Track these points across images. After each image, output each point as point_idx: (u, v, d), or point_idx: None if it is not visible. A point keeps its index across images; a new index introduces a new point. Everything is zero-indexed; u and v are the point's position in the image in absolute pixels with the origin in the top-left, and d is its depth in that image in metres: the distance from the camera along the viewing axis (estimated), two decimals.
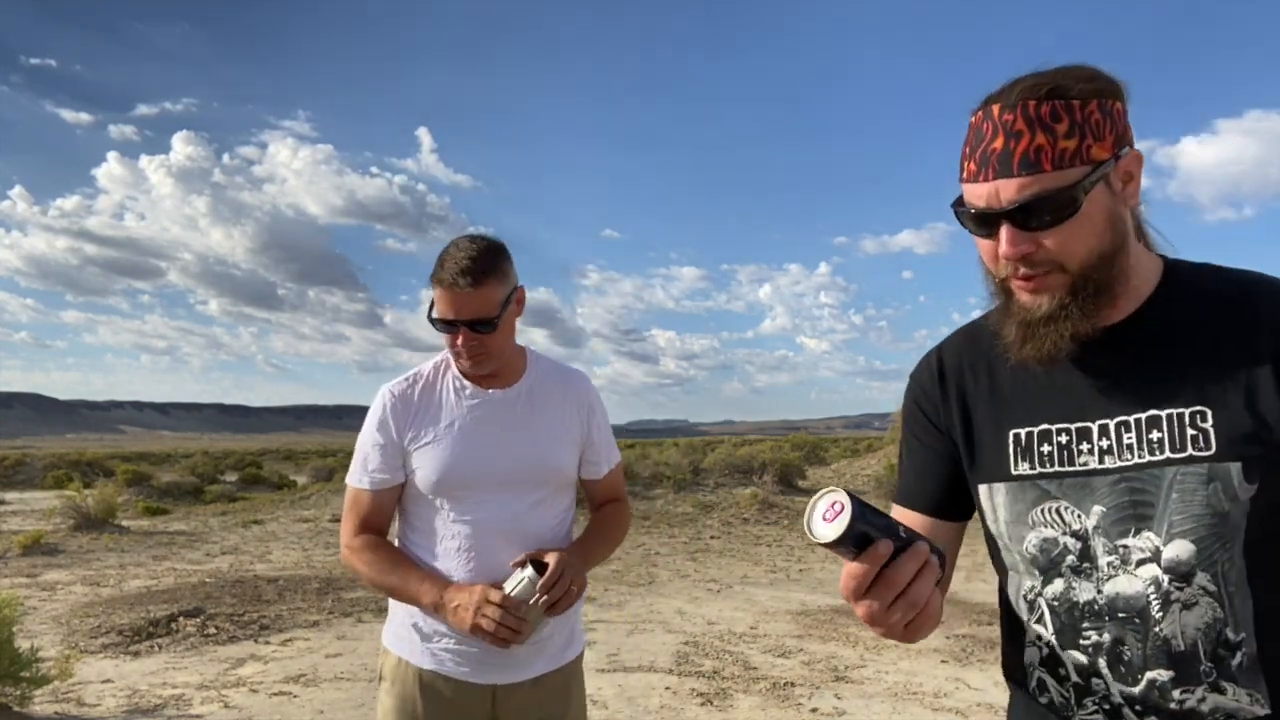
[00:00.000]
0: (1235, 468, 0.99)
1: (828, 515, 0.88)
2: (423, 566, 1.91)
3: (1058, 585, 1.10)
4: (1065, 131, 0.99)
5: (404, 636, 1.94)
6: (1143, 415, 1.04)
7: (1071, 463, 1.08)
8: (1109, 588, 1.05)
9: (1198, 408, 1.02)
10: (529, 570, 1.81)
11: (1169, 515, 1.01)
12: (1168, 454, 1.02)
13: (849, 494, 0.88)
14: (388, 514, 1.99)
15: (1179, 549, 1.01)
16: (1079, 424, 1.09)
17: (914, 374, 1.29)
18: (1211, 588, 1.00)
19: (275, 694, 5.14)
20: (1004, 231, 1.02)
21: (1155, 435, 1.03)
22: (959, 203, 1.07)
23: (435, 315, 1.88)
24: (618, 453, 2.16)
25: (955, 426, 1.21)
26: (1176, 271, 1.11)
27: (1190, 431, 1.01)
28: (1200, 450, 1.00)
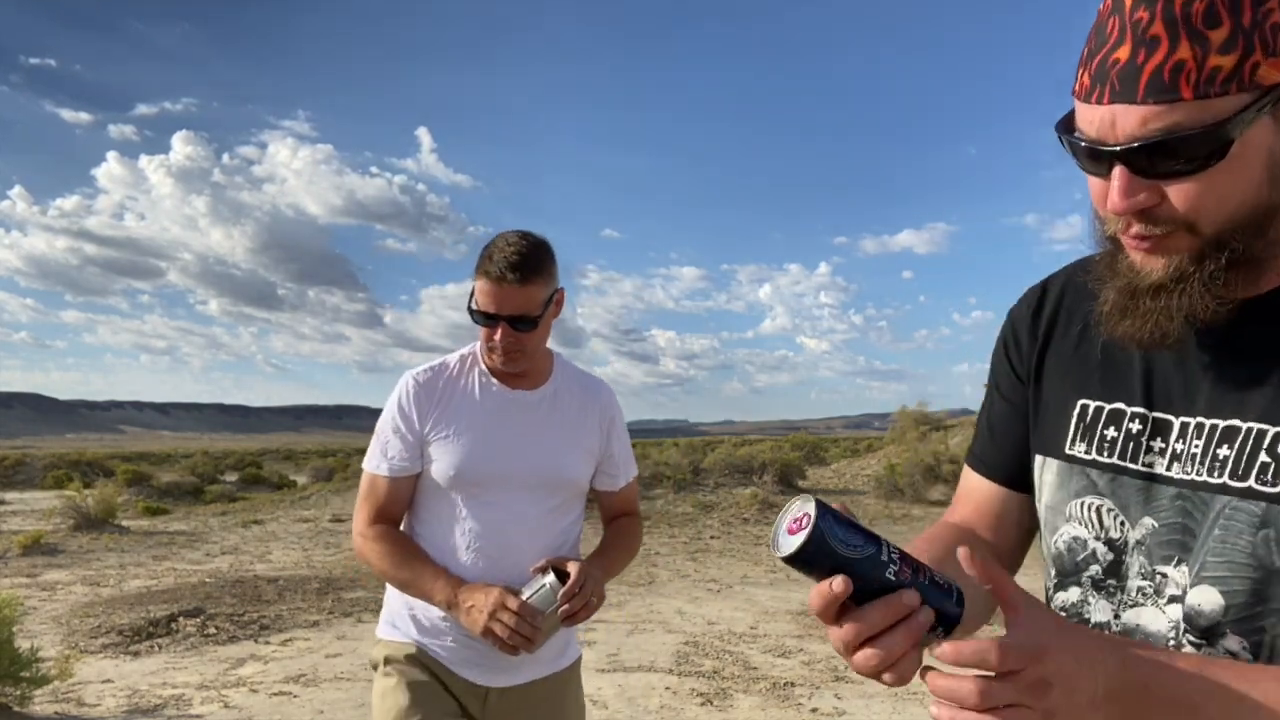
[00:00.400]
0: None
1: (792, 527, 0.74)
2: (436, 562, 1.88)
3: (1072, 594, 0.93)
4: (1223, 42, 0.70)
5: (401, 627, 1.93)
6: (1221, 423, 0.81)
7: (1135, 458, 0.87)
8: (1129, 616, 0.87)
9: None
10: (550, 578, 1.76)
11: (1204, 554, 0.81)
12: (1225, 479, 0.80)
13: (820, 505, 0.74)
14: (403, 503, 1.95)
15: (1203, 597, 0.81)
16: (1160, 413, 0.86)
17: (1012, 310, 1.05)
18: (1246, 656, 0.79)
19: (275, 694, 5.14)
20: (1117, 176, 0.76)
21: (1224, 451, 0.80)
22: (1067, 124, 0.80)
23: (476, 307, 1.85)
24: (635, 467, 2.14)
25: (1030, 378, 1.00)
26: None
27: (1263, 458, 0.78)
28: (1264, 484, 0.77)
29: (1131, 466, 0.87)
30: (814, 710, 4.83)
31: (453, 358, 1.99)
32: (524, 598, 1.74)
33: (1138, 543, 0.86)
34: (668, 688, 5.24)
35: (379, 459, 1.92)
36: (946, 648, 0.72)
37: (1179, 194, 0.75)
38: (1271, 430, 0.78)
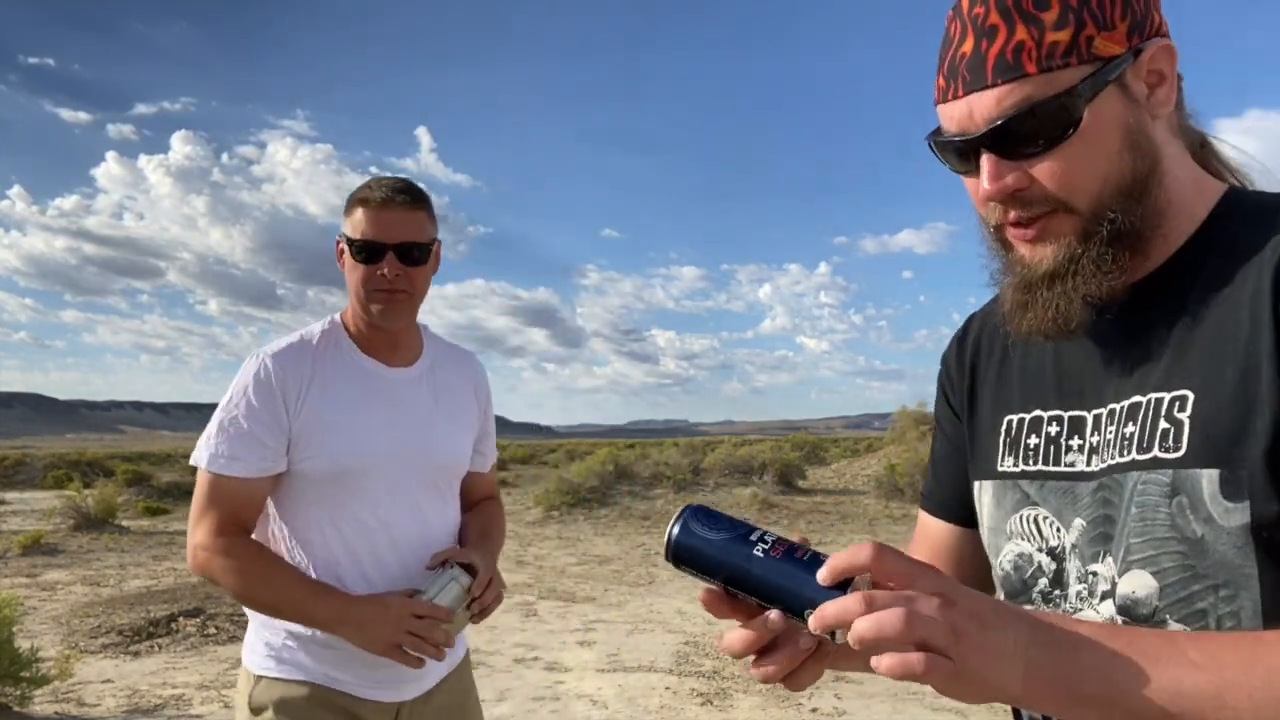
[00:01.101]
0: (1208, 478, 0.71)
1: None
2: (306, 575, 1.62)
3: None
4: (1055, 21, 0.74)
5: (289, 659, 1.66)
6: (1126, 402, 0.80)
7: (1056, 461, 0.86)
8: None
9: (1180, 391, 0.75)
10: (456, 572, 1.59)
11: (1127, 537, 0.77)
12: (1133, 454, 0.77)
13: (688, 509, 0.76)
14: (258, 509, 1.65)
15: (1135, 583, 0.76)
16: (1074, 412, 0.86)
17: (944, 353, 1.07)
18: None
19: None
20: (985, 163, 0.78)
21: (1130, 429, 0.78)
22: (936, 134, 0.83)
23: (357, 238, 1.63)
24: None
25: (965, 411, 1.00)
26: (1237, 206, 0.81)
27: (1163, 424, 0.75)
28: (1167, 450, 0.74)
29: (1054, 470, 0.86)
30: (814, 710, 4.83)
31: (312, 331, 1.72)
32: (428, 598, 1.55)
33: (1072, 546, 0.83)
34: (668, 688, 5.24)
35: (226, 456, 1.59)
36: (823, 570, 0.69)
37: (1045, 172, 0.77)
38: (1168, 395, 0.76)
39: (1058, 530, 0.85)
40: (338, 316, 1.75)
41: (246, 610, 1.70)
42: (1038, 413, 0.89)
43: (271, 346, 1.68)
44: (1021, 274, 0.82)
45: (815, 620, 0.67)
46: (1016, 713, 0.98)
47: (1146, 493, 0.75)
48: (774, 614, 0.70)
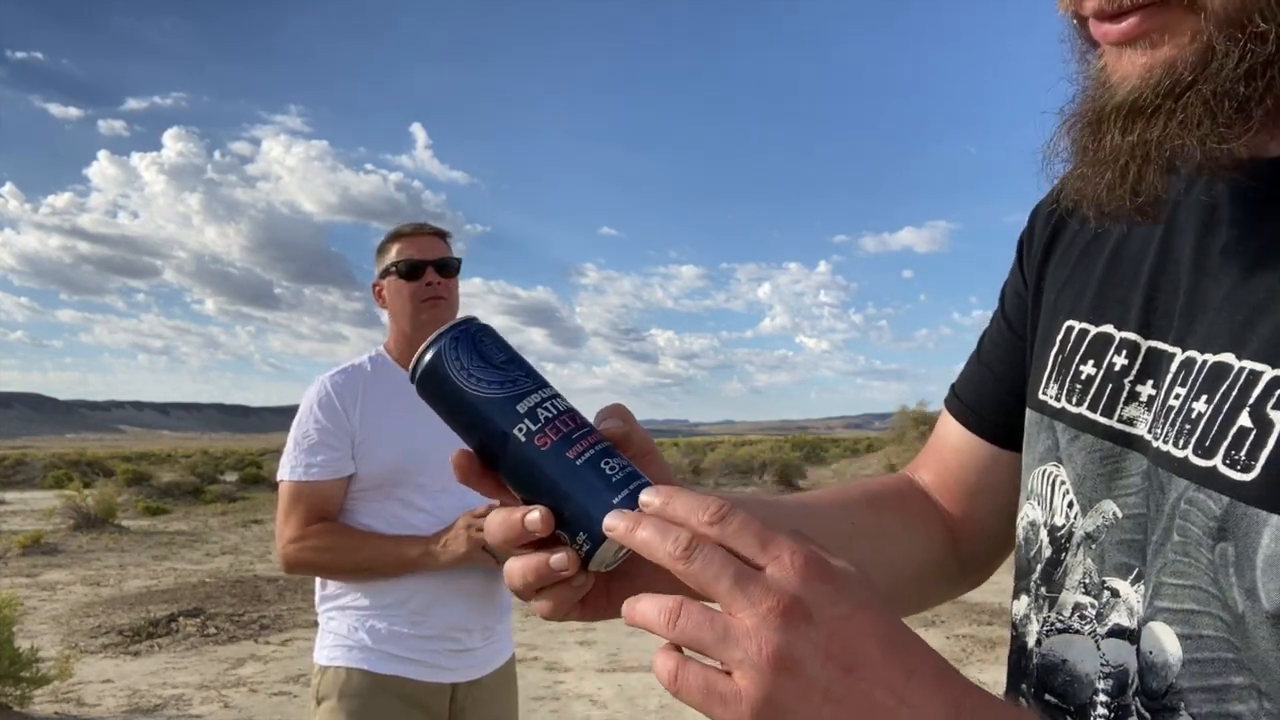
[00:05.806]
0: (1273, 528, 0.43)
1: None
2: (384, 533, 1.86)
3: (1020, 605, 0.64)
4: None
5: (352, 647, 1.86)
6: (1211, 358, 0.50)
7: (1110, 408, 0.57)
8: (1054, 644, 0.58)
9: None
10: None
11: (1158, 569, 0.50)
12: (1189, 451, 0.49)
13: (463, 325, 0.58)
14: (335, 511, 1.88)
15: (1156, 642, 0.50)
16: (1157, 342, 0.55)
17: (1041, 201, 0.74)
18: None
19: (275, 694, 5.14)
20: None
21: (1199, 406, 0.49)
22: None
23: (401, 259, 1.94)
24: None
25: (1033, 285, 0.71)
26: None
27: (1243, 420, 0.46)
28: (1232, 465, 0.46)
29: (1101, 420, 0.57)
30: None
31: (361, 360, 1.99)
32: (489, 504, 1.76)
33: (1087, 537, 0.57)
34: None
35: (303, 467, 1.85)
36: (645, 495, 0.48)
37: None
38: (1271, 373, 0.46)
39: (1069, 505, 0.59)
40: (380, 348, 2.03)
41: (318, 606, 1.92)
42: (1108, 329, 0.60)
43: (328, 373, 1.97)
44: (1095, 98, 0.51)
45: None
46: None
47: (1189, 518, 0.48)
48: (536, 514, 0.51)
